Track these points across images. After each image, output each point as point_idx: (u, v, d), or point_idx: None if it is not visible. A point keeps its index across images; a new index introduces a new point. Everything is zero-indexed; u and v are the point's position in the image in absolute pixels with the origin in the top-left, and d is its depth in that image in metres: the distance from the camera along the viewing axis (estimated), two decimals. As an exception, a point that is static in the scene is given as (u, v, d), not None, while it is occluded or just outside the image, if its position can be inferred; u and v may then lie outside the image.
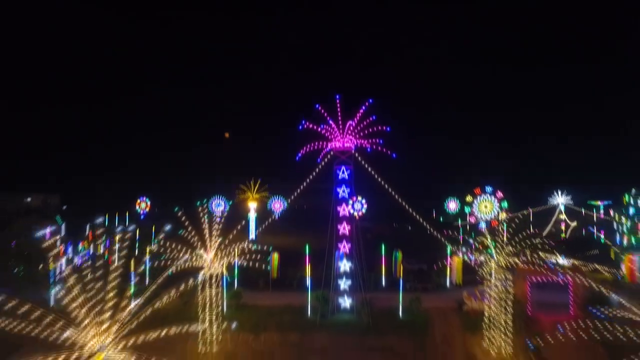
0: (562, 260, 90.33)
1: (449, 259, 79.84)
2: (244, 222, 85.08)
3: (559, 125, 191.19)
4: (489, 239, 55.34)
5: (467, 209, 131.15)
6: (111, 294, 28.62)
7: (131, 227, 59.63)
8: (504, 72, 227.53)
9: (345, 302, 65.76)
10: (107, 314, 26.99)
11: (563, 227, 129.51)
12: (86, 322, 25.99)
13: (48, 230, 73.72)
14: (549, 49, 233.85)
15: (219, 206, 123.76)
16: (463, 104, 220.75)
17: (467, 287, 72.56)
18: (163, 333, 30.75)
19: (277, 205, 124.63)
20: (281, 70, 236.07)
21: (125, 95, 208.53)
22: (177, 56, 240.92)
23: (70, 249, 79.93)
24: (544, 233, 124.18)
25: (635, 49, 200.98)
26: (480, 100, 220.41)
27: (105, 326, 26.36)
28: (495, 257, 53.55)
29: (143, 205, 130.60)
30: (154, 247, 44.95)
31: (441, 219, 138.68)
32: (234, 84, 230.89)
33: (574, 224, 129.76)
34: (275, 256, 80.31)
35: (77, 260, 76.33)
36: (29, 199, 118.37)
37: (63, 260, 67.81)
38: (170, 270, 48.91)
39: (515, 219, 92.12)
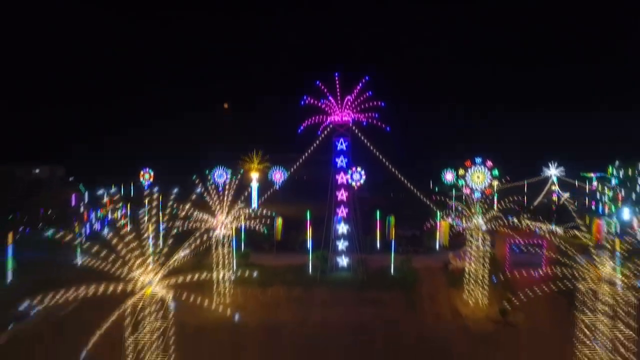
0: (545, 227, 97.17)
1: (438, 223, 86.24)
2: (249, 190, 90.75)
3: (558, 107, 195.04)
4: (476, 207, 61.09)
5: (460, 182, 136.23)
6: (140, 251, 34.30)
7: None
8: (502, 70, 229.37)
9: (343, 261, 72.46)
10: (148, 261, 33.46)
11: (555, 198, 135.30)
12: (131, 263, 32.57)
13: (73, 197, 79.59)
14: (549, 49, 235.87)
15: (221, 177, 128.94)
16: (458, 91, 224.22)
17: (454, 249, 79.27)
18: (188, 278, 36.68)
19: (278, 176, 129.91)
20: (282, 57, 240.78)
21: (126, 77, 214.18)
22: (177, 53, 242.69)
23: (93, 215, 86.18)
24: (535, 203, 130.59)
25: (635, 49, 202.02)
26: (476, 88, 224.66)
27: (149, 269, 33.00)
28: (478, 221, 59.78)
29: (147, 176, 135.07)
30: (185, 209, 50.18)
31: (436, 189, 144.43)
32: (238, 70, 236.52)
33: (566, 194, 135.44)
34: (279, 221, 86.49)
35: (97, 225, 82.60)
36: (37, 170, 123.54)
37: (87, 225, 73.90)
38: (176, 229, 53.27)
39: (495, 187, 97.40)
